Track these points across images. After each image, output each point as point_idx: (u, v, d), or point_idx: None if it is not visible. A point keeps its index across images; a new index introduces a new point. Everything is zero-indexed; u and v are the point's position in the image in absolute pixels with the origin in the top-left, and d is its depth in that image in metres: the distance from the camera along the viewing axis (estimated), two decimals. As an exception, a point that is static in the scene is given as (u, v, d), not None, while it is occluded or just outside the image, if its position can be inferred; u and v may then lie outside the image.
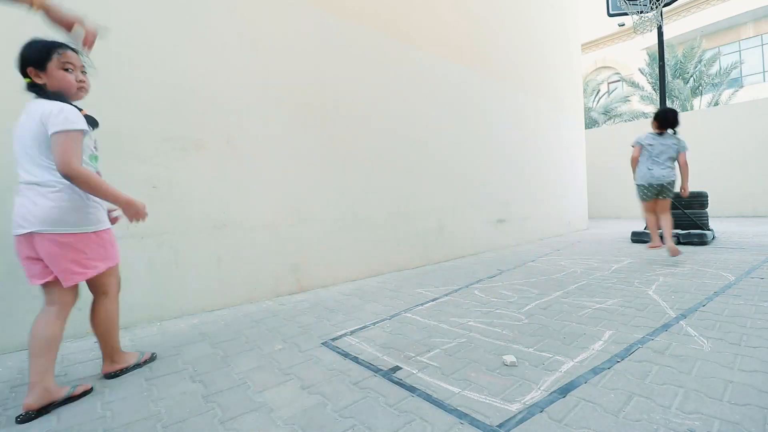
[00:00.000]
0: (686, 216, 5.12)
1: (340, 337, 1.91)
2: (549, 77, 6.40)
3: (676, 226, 5.07)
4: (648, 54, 13.48)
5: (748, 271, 2.95)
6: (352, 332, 1.97)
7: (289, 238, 2.93)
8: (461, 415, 1.16)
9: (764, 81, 15.57)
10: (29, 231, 1.30)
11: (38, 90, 1.39)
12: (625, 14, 4.85)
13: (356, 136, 3.43)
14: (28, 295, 1.92)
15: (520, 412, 1.16)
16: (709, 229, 4.97)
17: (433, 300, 2.55)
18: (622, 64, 18.05)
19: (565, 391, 1.27)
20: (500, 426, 1.10)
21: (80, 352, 1.84)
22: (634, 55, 16.74)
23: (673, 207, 5.06)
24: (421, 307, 2.40)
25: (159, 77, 2.36)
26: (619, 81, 16.73)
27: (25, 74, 1.39)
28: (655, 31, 4.71)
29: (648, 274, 3.02)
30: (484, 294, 2.65)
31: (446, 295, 2.68)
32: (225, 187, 2.61)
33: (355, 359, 1.62)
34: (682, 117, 9.28)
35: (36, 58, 1.37)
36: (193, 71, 2.49)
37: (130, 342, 1.95)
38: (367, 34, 3.55)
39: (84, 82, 1.47)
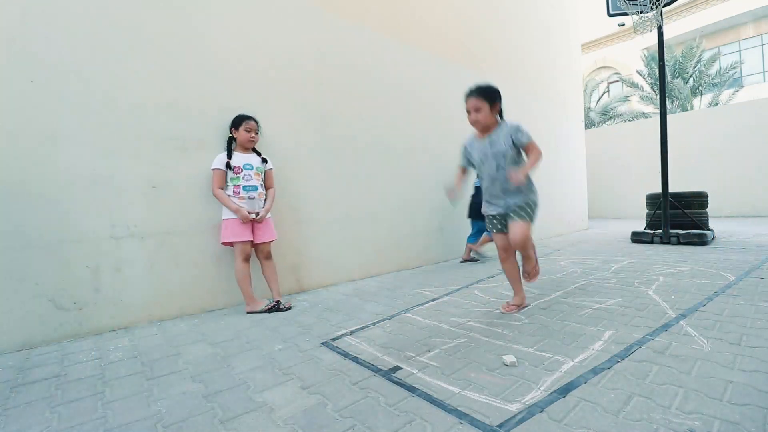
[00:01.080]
0: (686, 216, 5.12)
1: (340, 337, 1.91)
2: (549, 77, 6.40)
3: (675, 226, 5.08)
4: (647, 54, 13.48)
5: (748, 271, 2.95)
6: (352, 332, 1.97)
7: (289, 238, 2.93)
8: (461, 415, 1.16)
9: (764, 81, 15.57)
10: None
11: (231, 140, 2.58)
12: (625, 14, 4.84)
13: (356, 135, 3.43)
14: (29, 295, 1.92)
15: (520, 412, 1.16)
16: (709, 229, 4.97)
17: (433, 300, 2.55)
18: (622, 64, 18.06)
19: (565, 391, 1.27)
20: (500, 426, 1.10)
21: (80, 352, 1.84)
22: (633, 55, 16.74)
23: (673, 207, 5.07)
24: (421, 307, 2.40)
25: (158, 77, 2.36)
26: (618, 81, 16.74)
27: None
28: (655, 31, 4.71)
29: (648, 274, 3.02)
30: (484, 294, 2.65)
31: (446, 295, 2.68)
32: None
33: (355, 359, 1.62)
34: (682, 117, 9.29)
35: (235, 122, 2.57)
36: (192, 71, 2.49)
37: (129, 342, 1.95)
38: (367, 34, 3.55)
39: (254, 138, 2.60)
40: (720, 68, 13.08)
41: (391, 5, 3.79)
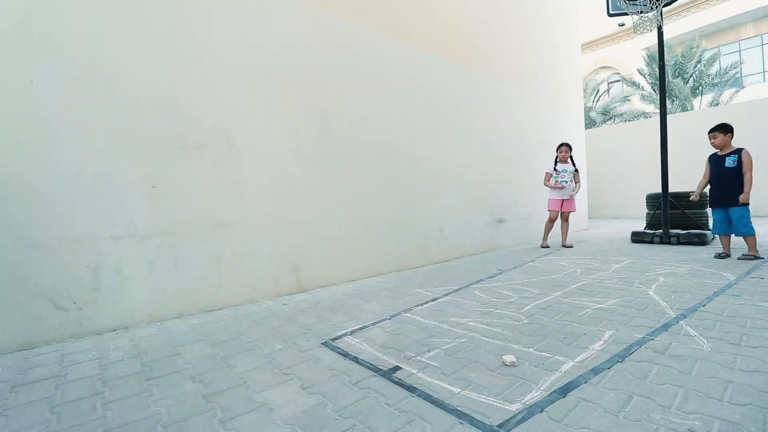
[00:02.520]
0: (686, 216, 5.12)
1: (340, 337, 1.91)
2: (549, 77, 6.40)
3: (675, 226, 5.08)
4: (647, 54, 13.48)
5: (748, 271, 2.95)
6: (352, 332, 1.97)
7: (289, 238, 2.93)
8: (461, 415, 1.16)
9: (764, 81, 15.56)
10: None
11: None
12: (625, 14, 4.84)
13: (356, 135, 3.42)
14: (29, 295, 1.92)
15: (520, 412, 1.16)
16: (709, 229, 4.97)
17: (433, 300, 2.55)
18: (622, 64, 18.06)
19: (565, 391, 1.27)
20: (500, 426, 1.10)
21: (80, 352, 1.84)
22: (633, 55, 16.74)
23: (673, 207, 5.06)
24: (421, 307, 2.40)
25: (159, 77, 2.36)
26: (618, 81, 16.74)
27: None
28: (655, 31, 4.71)
29: (648, 274, 3.02)
30: (484, 294, 2.65)
31: (446, 295, 2.68)
32: (225, 187, 2.61)
33: (355, 359, 1.62)
34: (682, 117, 9.28)
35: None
36: (192, 71, 2.49)
37: (129, 342, 1.95)
38: (366, 33, 3.54)
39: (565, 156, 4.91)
40: (720, 68, 13.08)
41: (391, 5, 3.79)
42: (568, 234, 5.01)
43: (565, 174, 4.83)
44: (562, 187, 4.79)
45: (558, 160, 4.89)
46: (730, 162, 3.58)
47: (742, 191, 3.48)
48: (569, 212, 4.90)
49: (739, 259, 3.46)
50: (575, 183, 4.87)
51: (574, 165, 4.91)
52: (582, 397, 1.23)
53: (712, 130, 3.74)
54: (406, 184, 3.85)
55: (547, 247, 4.88)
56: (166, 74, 2.39)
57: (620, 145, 10.03)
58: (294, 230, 2.97)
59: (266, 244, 2.80)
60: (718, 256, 3.59)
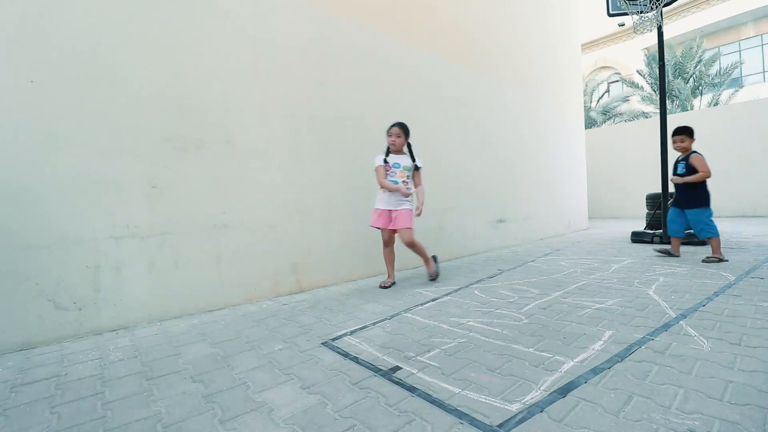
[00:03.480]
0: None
1: (340, 337, 1.91)
2: (549, 77, 6.40)
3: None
4: (647, 54, 13.48)
5: (748, 271, 2.95)
6: (352, 332, 1.97)
7: (289, 238, 2.93)
8: (461, 415, 1.16)
9: (764, 81, 15.56)
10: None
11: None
12: (625, 14, 4.84)
13: (355, 135, 3.42)
14: (29, 295, 1.92)
15: (520, 412, 1.16)
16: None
17: (433, 300, 2.55)
18: (622, 64, 18.06)
19: (565, 391, 1.27)
20: (500, 426, 1.10)
21: (80, 352, 1.84)
22: (633, 55, 16.74)
23: (673, 207, 5.05)
24: (421, 307, 2.40)
25: (159, 77, 2.36)
26: (618, 81, 16.74)
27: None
28: (655, 31, 4.71)
29: (648, 274, 3.02)
30: (484, 294, 2.65)
31: (446, 295, 2.68)
32: (225, 187, 2.61)
33: (355, 359, 1.62)
34: (682, 117, 9.29)
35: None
36: (192, 71, 2.49)
37: (129, 342, 1.95)
38: (367, 34, 3.54)
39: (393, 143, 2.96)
40: (720, 68, 13.08)
41: (391, 6, 3.78)
42: (431, 265, 3.17)
43: (397, 171, 2.96)
44: (395, 190, 2.94)
45: (389, 149, 2.99)
46: (680, 169, 3.52)
47: (694, 198, 3.38)
48: (404, 231, 2.94)
49: (703, 261, 3.36)
50: (416, 186, 3.08)
51: (413, 158, 3.04)
52: (582, 397, 1.23)
53: (678, 133, 3.53)
54: (406, 184, 3.84)
55: (388, 286, 2.98)
56: (167, 74, 2.39)
57: (620, 145, 10.03)
58: (294, 230, 2.97)
59: (266, 244, 2.80)
60: (661, 252, 3.71)
